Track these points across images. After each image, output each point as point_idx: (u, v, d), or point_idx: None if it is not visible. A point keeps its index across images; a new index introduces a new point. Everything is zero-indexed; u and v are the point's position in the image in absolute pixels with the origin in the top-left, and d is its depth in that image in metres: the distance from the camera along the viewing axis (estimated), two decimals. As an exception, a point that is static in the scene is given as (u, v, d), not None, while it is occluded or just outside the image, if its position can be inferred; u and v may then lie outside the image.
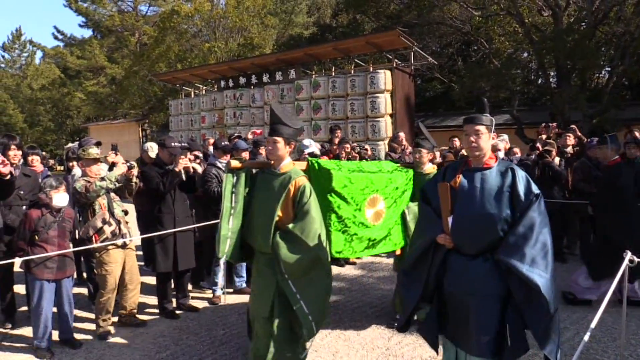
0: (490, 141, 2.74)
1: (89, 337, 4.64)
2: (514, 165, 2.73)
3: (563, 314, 4.84)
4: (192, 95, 16.25)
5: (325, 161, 4.01)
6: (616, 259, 3.73)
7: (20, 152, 5.15)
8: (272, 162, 3.49)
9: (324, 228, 3.40)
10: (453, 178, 2.77)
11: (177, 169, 4.93)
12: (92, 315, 4.99)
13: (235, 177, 3.45)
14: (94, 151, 4.65)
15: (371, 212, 4.12)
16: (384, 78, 10.90)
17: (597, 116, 12.19)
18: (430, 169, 4.70)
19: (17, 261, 4.39)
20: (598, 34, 14.22)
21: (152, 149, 6.15)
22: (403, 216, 4.45)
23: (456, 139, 8.76)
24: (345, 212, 3.88)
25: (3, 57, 43.03)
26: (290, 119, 3.47)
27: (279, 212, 3.30)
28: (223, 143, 6.01)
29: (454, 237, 2.69)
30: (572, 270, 6.43)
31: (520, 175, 2.66)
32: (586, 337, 2.40)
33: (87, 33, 31.77)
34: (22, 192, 4.89)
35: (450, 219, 2.71)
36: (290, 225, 3.27)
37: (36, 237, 4.22)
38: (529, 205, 2.56)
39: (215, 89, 15.19)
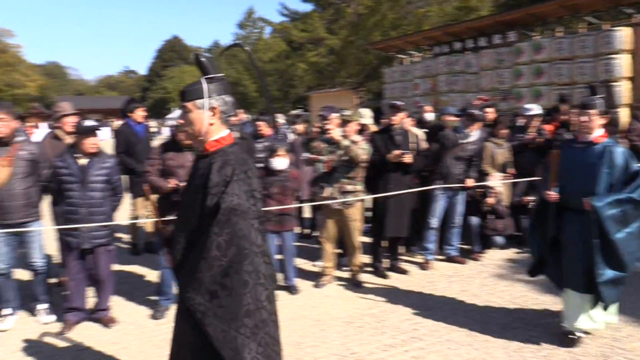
0: None
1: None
2: None
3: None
4: (407, 63, 16.43)
5: None
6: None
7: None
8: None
9: None
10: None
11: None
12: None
13: None
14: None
15: None
16: (622, 36, 9.68)
17: None
18: None
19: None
20: None
21: (365, 116, 6.90)
22: None
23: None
24: None
25: (238, 34, 48.83)
26: None
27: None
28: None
29: None
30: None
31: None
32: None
33: (309, 7, 34.07)
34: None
35: None
36: None
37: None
38: None
39: (430, 56, 15.15)
